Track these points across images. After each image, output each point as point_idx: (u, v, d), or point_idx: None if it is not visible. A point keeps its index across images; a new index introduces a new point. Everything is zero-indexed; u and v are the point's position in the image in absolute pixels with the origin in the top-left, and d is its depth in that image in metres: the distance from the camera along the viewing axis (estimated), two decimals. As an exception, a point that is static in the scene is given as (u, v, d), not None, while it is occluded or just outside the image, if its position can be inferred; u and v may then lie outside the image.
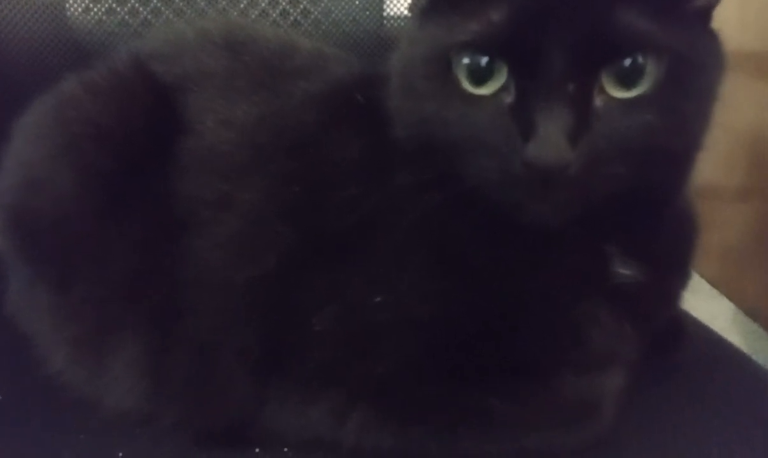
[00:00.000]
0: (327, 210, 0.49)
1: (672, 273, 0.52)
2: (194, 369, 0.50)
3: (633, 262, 0.47)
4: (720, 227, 1.14)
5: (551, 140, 0.38)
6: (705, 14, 0.44)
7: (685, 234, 0.52)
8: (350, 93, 0.53)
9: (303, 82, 0.55)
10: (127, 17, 0.78)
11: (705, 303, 0.76)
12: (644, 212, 0.46)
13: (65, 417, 0.53)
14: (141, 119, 0.54)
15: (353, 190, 0.48)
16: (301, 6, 0.80)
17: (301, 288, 0.48)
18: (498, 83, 0.41)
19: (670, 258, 0.50)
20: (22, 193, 0.56)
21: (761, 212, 1.13)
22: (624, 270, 0.47)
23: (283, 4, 0.80)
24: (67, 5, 0.78)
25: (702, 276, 1.16)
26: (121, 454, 0.49)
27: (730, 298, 1.22)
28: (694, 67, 0.41)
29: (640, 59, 0.40)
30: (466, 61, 0.42)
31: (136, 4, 0.78)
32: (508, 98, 0.41)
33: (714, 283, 1.20)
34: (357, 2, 0.81)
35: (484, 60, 0.41)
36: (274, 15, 0.80)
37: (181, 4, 0.79)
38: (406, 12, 0.82)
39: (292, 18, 0.80)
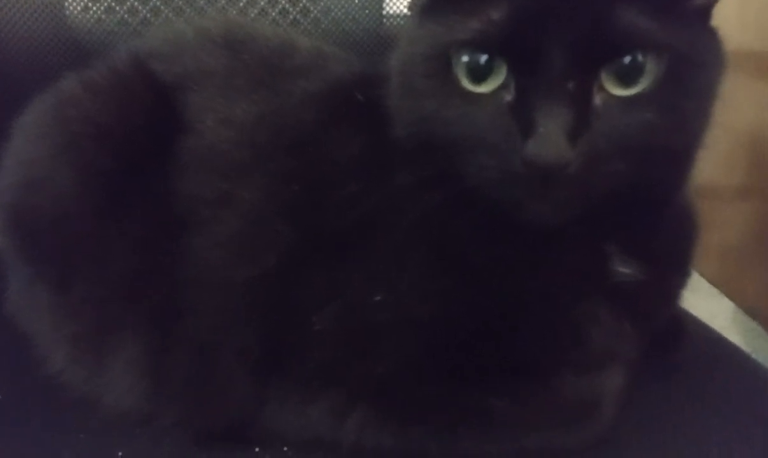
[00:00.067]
0: (327, 209, 0.49)
1: (672, 272, 0.52)
2: (194, 369, 0.50)
3: (633, 261, 0.47)
4: (720, 226, 1.14)
5: (551, 138, 0.38)
6: (705, 12, 0.44)
7: (685, 232, 0.52)
8: (350, 92, 0.53)
9: (302, 81, 0.55)
10: (126, 16, 0.78)
11: (705, 302, 0.76)
12: (644, 211, 0.46)
13: (65, 417, 0.53)
14: (141, 118, 0.54)
15: (353, 188, 0.48)
16: (301, 4, 0.80)
17: (301, 288, 0.48)
18: (498, 81, 0.41)
19: (670, 257, 0.50)
20: (22, 192, 0.55)
21: (761, 211, 1.13)
22: (624, 269, 0.47)
23: (283, 2, 0.80)
24: (66, 4, 0.78)
25: (702, 275, 1.16)
26: (120, 454, 0.49)
27: (730, 297, 1.22)
28: (694, 65, 0.41)
29: (639, 57, 0.40)
30: (465, 59, 0.42)
31: (136, 3, 0.78)
32: (508, 96, 0.41)
33: (714, 282, 1.20)
34: (356, 1, 0.81)
35: (483, 58, 0.41)
36: (274, 14, 0.80)
37: (180, 3, 0.78)
38: (405, 10, 0.82)
39: (291, 17, 0.80)
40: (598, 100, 0.40)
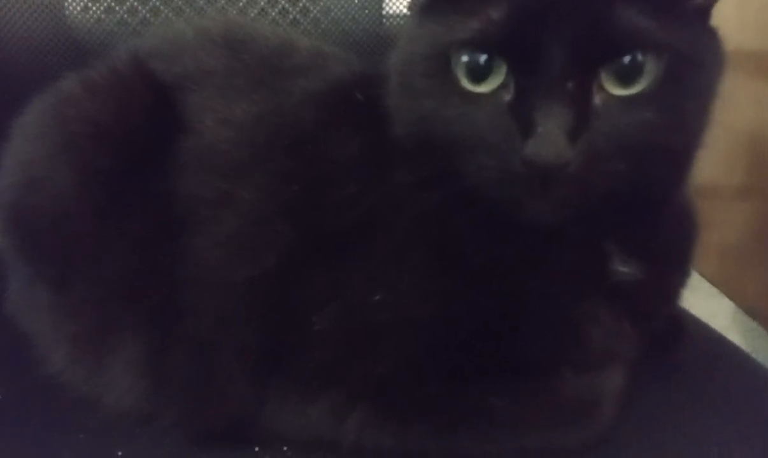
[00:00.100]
0: (326, 208, 0.49)
1: (672, 271, 0.52)
2: (194, 369, 0.50)
3: (632, 260, 0.47)
4: (719, 226, 1.14)
5: (551, 138, 0.38)
6: (704, 12, 0.44)
7: (684, 232, 0.52)
8: (349, 91, 0.53)
9: (302, 81, 0.55)
10: (126, 16, 0.78)
11: (704, 302, 0.76)
12: (644, 210, 0.46)
13: (65, 417, 0.53)
14: (140, 118, 0.54)
15: (352, 188, 0.48)
16: (301, 4, 0.80)
17: (301, 287, 0.48)
18: (497, 81, 0.41)
19: (670, 256, 0.50)
20: (22, 191, 0.55)
21: (761, 211, 1.13)
22: (623, 268, 0.47)
23: (282, 2, 0.80)
24: (66, 4, 0.78)
25: (702, 274, 1.16)
26: (120, 454, 0.49)
27: (730, 297, 1.22)
28: (693, 64, 0.41)
29: (639, 57, 0.40)
30: (465, 58, 0.42)
31: (135, 3, 0.78)
32: (508, 96, 0.41)
33: (714, 282, 1.20)
34: (356, 1, 0.81)
35: (483, 58, 0.41)
36: (273, 13, 0.80)
37: (180, 2, 0.78)
38: (405, 10, 0.82)
39: (291, 16, 0.80)
40: (597, 99, 0.40)
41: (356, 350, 0.47)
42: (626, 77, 0.40)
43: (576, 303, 0.47)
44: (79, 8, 0.78)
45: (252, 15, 0.79)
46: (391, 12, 0.83)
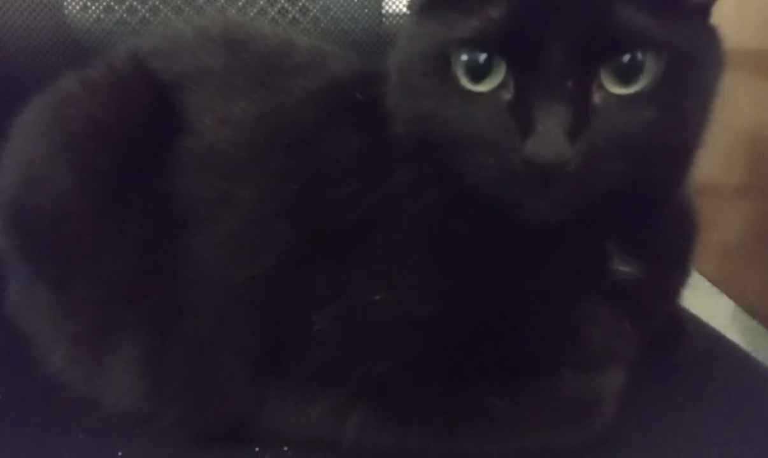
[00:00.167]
0: (326, 208, 0.49)
1: (672, 271, 0.52)
2: (194, 369, 0.49)
3: (632, 259, 0.47)
4: (719, 225, 1.14)
5: (550, 137, 0.38)
6: (704, 10, 0.44)
7: (684, 231, 0.52)
8: (349, 90, 0.53)
9: (302, 80, 0.55)
10: (125, 15, 0.78)
11: (704, 301, 0.76)
12: (644, 209, 0.46)
13: (65, 417, 0.53)
14: (140, 117, 0.54)
15: (352, 187, 0.48)
16: (300, 4, 0.80)
17: (301, 287, 0.48)
18: (497, 80, 0.41)
19: (670, 256, 0.50)
20: (22, 191, 0.55)
21: (760, 210, 1.13)
22: (623, 268, 0.47)
23: (282, 1, 0.80)
24: (65, 3, 0.78)
25: (701, 273, 1.16)
26: (120, 454, 0.49)
27: (730, 296, 1.22)
28: (693, 63, 0.41)
29: (639, 55, 0.39)
30: (464, 57, 0.42)
31: (135, 3, 0.78)
32: (507, 95, 0.41)
33: (713, 281, 1.20)
34: (356, 0, 0.81)
35: (482, 57, 0.41)
36: (273, 13, 0.80)
37: (179, 2, 0.78)
38: (404, 9, 0.82)
39: (290, 16, 0.80)
40: (597, 98, 0.40)
41: (356, 350, 0.47)
42: (626, 76, 0.40)
43: (576, 303, 0.47)
44: (78, 7, 0.78)
45: (251, 14, 0.79)
46: (390, 11, 0.83)
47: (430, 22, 0.44)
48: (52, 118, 0.56)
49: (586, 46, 0.39)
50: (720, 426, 0.51)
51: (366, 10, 0.82)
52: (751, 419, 0.52)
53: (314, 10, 0.81)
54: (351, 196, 0.48)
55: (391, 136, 0.47)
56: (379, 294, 0.46)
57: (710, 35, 0.45)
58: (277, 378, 0.48)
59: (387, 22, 0.83)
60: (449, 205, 0.45)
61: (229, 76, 0.56)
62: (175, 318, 0.49)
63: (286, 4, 0.80)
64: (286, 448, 0.49)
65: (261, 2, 0.80)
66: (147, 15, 0.78)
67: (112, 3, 0.78)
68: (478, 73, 0.41)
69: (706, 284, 1.19)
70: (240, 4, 0.79)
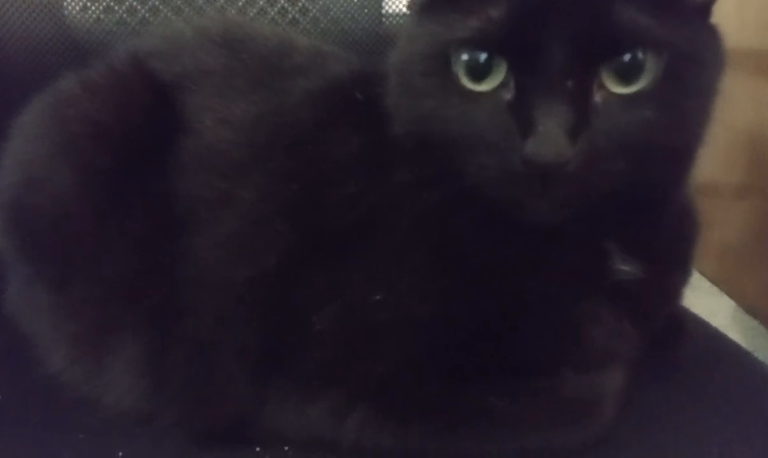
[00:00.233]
0: (326, 208, 0.49)
1: (672, 270, 0.52)
2: (194, 369, 0.49)
3: (633, 259, 0.47)
4: (719, 224, 1.14)
5: (551, 137, 0.38)
6: (704, 10, 0.44)
7: (685, 231, 0.52)
8: (349, 90, 0.53)
9: (301, 80, 0.55)
10: (125, 16, 0.78)
11: (705, 301, 0.76)
12: (644, 209, 0.46)
13: (65, 417, 0.53)
14: (140, 117, 0.54)
15: (352, 187, 0.48)
16: (300, 4, 0.80)
17: (301, 287, 0.48)
18: (497, 80, 0.41)
19: (671, 255, 0.50)
20: (21, 192, 0.55)
21: (761, 210, 1.13)
22: (624, 268, 0.47)
23: (282, 2, 0.80)
24: (65, 4, 0.78)
25: (702, 273, 1.16)
26: (121, 454, 0.49)
27: (730, 296, 1.22)
28: (693, 62, 0.41)
29: (639, 55, 0.39)
30: (465, 57, 0.42)
31: (134, 3, 0.78)
32: (508, 95, 0.41)
33: (714, 281, 1.20)
34: (355, 0, 0.81)
35: (483, 56, 0.41)
36: (273, 13, 0.80)
37: (179, 2, 0.78)
38: (404, 9, 0.82)
39: (290, 16, 0.80)
40: (597, 97, 0.40)
41: (356, 350, 0.47)
42: (626, 75, 0.40)
43: (576, 303, 0.47)
44: (78, 8, 0.78)
45: (251, 14, 0.79)
46: (390, 11, 0.83)
47: (430, 22, 0.44)
48: (52, 118, 0.56)
49: (587, 46, 0.39)
50: (720, 425, 0.51)
51: (366, 10, 0.82)
52: (751, 419, 0.52)
53: (314, 11, 0.81)
54: (351, 196, 0.48)
55: (391, 136, 0.47)
56: (379, 294, 0.46)
57: (711, 34, 0.45)
58: (277, 379, 0.48)
59: (387, 22, 0.83)
60: (449, 205, 0.45)
61: (229, 77, 0.56)
62: (175, 319, 0.49)
63: (286, 5, 0.80)
64: (286, 448, 0.49)
65: (261, 2, 0.80)
66: (147, 15, 0.78)
67: (112, 3, 0.78)
68: (478, 73, 0.41)
69: (707, 284, 1.19)
70: (240, 4, 0.79)
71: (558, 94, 0.39)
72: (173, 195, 0.52)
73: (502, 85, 0.41)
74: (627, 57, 0.39)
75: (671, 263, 0.51)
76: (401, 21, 0.82)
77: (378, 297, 0.46)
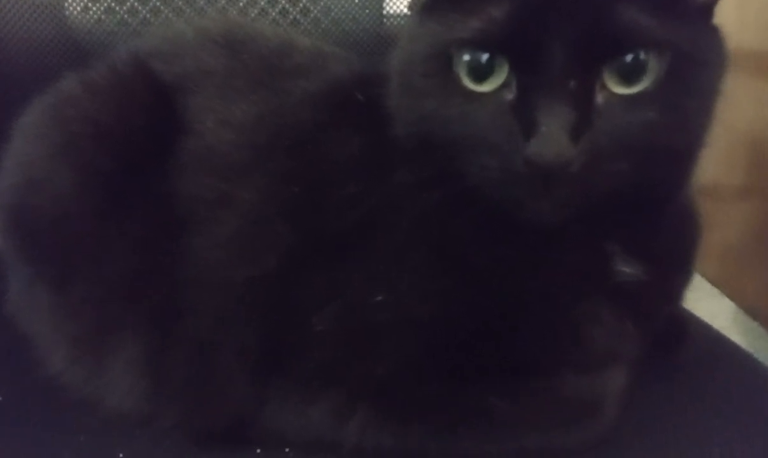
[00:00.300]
0: (326, 209, 0.48)
1: (674, 272, 0.52)
2: (194, 369, 0.49)
3: (635, 260, 0.47)
4: (720, 226, 1.14)
5: (553, 137, 0.38)
6: (707, 10, 0.44)
7: (687, 232, 0.52)
8: (350, 91, 0.53)
9: (302, 81, 0.55)
10: (126, 16, 0.78)
11: (705, 302, 0.76)
12: (646, 210, 0.46)
13: (65, 418, 0.53)
14: (140, 118, 0.54)
15: (353, 188, 0.48)
16: (301, 4, 0.80)
17: (301, 288, 0.48)
18: (499, 80, 0.41)
19: (672, 256, 0.50)
20: (22, 192, 0.55)
21: (761, 211, 1.13)
22: (626, 269, 0.47)
23: (283, 2, 0.80)
24: (66, 4, 0.78)
25: (702, 275, 1.16)
26: (121, 455, 0.49)
27: (731, 297, 1.22)
28: (696, 63, 0.41)
29: (641, 55, 0.39)
30: (466, 58, 0.41)
31: (135, 4, 0.78)
32: (509, 95, 0.41)
33: (714, 282, 1.20)
34: (356, 0, 0.81)
35: (484, 57, 0.41)
36: (274, 13, 0.80)
37: (180, 3, 0.78)
38: (405, 10, 0.82)
39: (291, 16, 0.80)
40: (600, 98, 0.40)
41: (356, 350, 0.47)
42: (629, 76, 0.40)
43: (577, 304, 0.46)
44: (79, 9, 0.78)
45: (252, 15, 0.79)
46: (391, 12, 0.83)
47: (432, 23, 0.44)
48: (53, 119, 0.56)
49: (589, 46, 0.39)
50: (721, 426, 0.51)
51: (367, 11, 0.82)
52: (752, 419, 0.52)
53: (315, 11, 0.81)
54: (351, 196, 0.48)
55: (392, 137, 0.47)
56: (379, 294, 0.46)
57: (713, 35, 0.45)
58: (278, 379, 0.48)
59: (388, 23, 0.83)
60: (450, 205, 0.45)
61: (229, 77, 0.56)
62: (175, 319, 0.49)
63: (287, 5, 0.80)
64: (287, 450, 0.49)
65: (262, 3, 0.80)
66: (148, 16, 0.78)
67: (113, 4, 0.78)
68: (480, 74, 0.41)
69: (707, 286, 1.19)
70: (241, 5, 0.79)
71: (560, 95, 0.38)
72: (174, 195, 0.52)
73: (504, 85, 0.41)
74: (629, 57, 0.39)
75: (673, 264, 0.51)
76: (402, 22, 0.82)
77: (378, 298, 0.46)
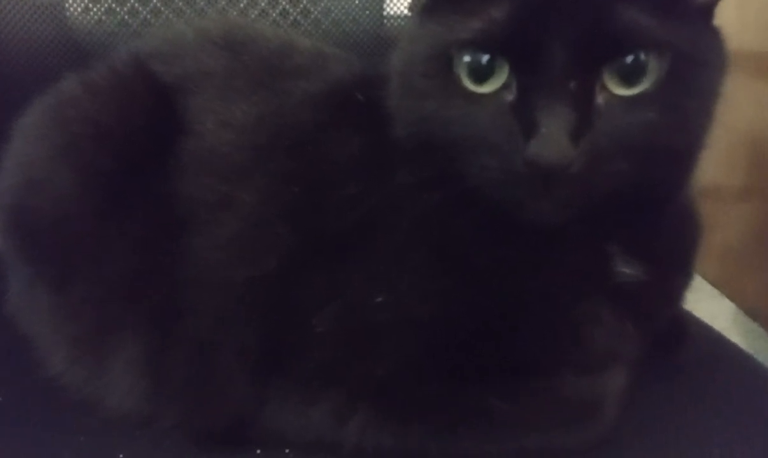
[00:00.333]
0: (327, 210, 0.48)
1: (674, 272, 0.52)
2: (194, 370, 0.49)
3: (635, 261, 0.47)
4: (720, 227, 1.14)
5: (553, 138, 0.38)
6: (707, 11, 0.44)
7: (687, 233, 0.52)
8: (350, 92, 0.53)
9: (303, 82, 0.55)
10: (126, 17, 0.78)
11: (705, 303, 0.76)
12: (646, 211, 0.46)
13: (65, 418, 0.53)
14: (141, 118, 0.54)
15: (353, 189, 0.48)
16: (301, 5, 0.80)
17: (301, 288, 0.48)
18: (499, 81, 0.41)
19: (673, 257, 0.50)
20: (22, 193, 0.55)
21: (761, 212, 1.13)
22: (626, 269, 0.47)
23: (283, 3, 0.80)
24: (67, 5, 0.78)
25: (702, 276, 1.16)
26: (121, 455, 0.49)
27: (731, 298, 1.22)
28: (696, 64, 0.41)
29: (642, 56, 0.39)
30: (467, 59, 0.42)
31: (136, 4, 0.78)
32: (510, 96, 0.41)
33: (714, 283, 1.20)
34: (357, 2, 0.82)
35: (485, 58, 0.41)
36: (274, 15, 0.80)
37: (180, 3, 0.78)
38: (406, 11, 0.82)
39: (291, 17, 0.80)
40: (600, 99, 0.40)
41: (356, 350, 0.47)
42: (629, 77, 0.40)
43: (577, 304, 0.46)
44: (79, 9, 0.78)
45: (253, 16, 0.79)
46: (392, 13, 0.83)
47: (432, 24, 0.44)
48: (53, 119, 0.56)
49: (589, 47, 0.39)
50: (721, 427, 0.51)
51: (367, 12, 0.82)
52: (752, 420, 0.52)
53: (315, 12, 0.81)
54: (352, 197, 0.48)
55: (393, 137, 0.47)
56: (379, 295, 0.46)
57: (713, 36, 0.45)
58: (278, 379, 0.48)
59: (388, 24, 0.83)
60: (450, 206, 0.45)
61: (230, 78, 0.56)
62: (175, 319, 0.49)
63: (288, 6, 0.80)
64: (287, 450, 0.49)
65: (262, 4, 0.80)
66: (148, 17, 0.78)
67: (113, 5, 0.78)
68: (480, 75, 0.41)
69: (707, 287, 1.19)
70: (241, 6, 0.79)
71: (560, 96, 0.38)
72: (174, 196, 0.52)
73: (504, 86, 0.41)
74: (629, 58, 0.39)
75: (673, 265, 0.51)
76: (403, 23, 0.83)
77: (379, 298, 0.46)
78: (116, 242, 0.52)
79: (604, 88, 0.40)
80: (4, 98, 0.66)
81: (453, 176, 0.43)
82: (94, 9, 0.78)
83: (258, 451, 0.49)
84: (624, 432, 0.48)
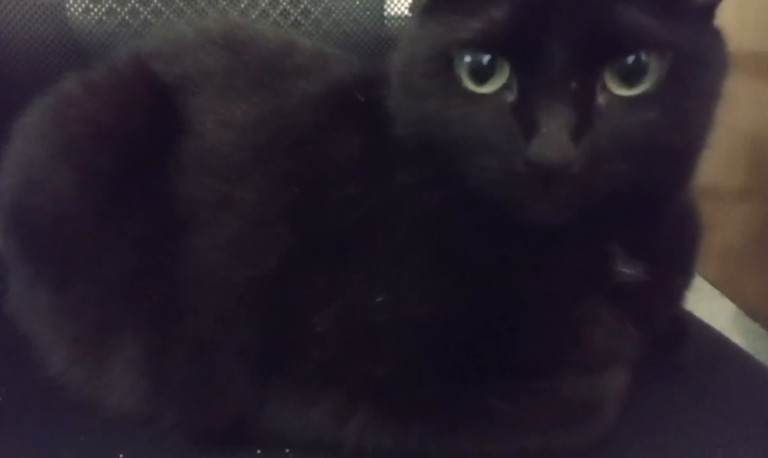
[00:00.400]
0: (327, 210, 0.49)
1: (675, 273, 0.52)
2: (194, 369, 0.49)
3: (635, 261, 0.47)
4: (721, 227, 1.14)
5: (553, 138, 0.38)
6: (708, 11, 0.44)
7: (688, 233, 0.52)
8: (350, 92, 0.53)
9: (303, 82, 0.55)
10: (127, 17, 0.78)
11: (706, 304, 0.76)
12: (647, 211, 0.46)
13: (65, 418, 0.53)
14: (141, 118, 0.54)
15: (353, 189, 0.48)
16: (302, 6, 0.80)
17: (301, 288, 0.48)
18: (500, 81, 0.41)
19: (673, 257, 0.50)
20: (22, 193, 0.55)
21: (761, 212, 1.13)
22: (626, 269, 0.47)
23: (284, 4, 0.80)
24: (67, 5, 0.78)
25: (703, 276, 1.16)
26: (121, 455, 0.49)
27: (731, 298, 1.22)
28: (697, 64, 0.41)
29: (642, 56, 0.39)
30: (467, 59, 0.41)
31: (137, 5, 0.78)
32: (510, 96, 0.41)
33: (715, 283, 1.20)
34: (357, 2, 0.81)
35: (485, 58, 0.41)
36: (275, 15, 0.80)
37: (181, 4, 0.78)
38: (406, 12, 0.82)
39: (292, 18, 0.80)
40: (601, 99, 0.40)
41: (356, 351, 0.47)
42: (630, 77, 0.40)
43: (578, 304, 0.46)
44: (80, 10, 0.78)
45: (253, 16, 0.79)
46: (392, 13, 0.83)
47: (433, 24, 0.44)
48: (53, 119, 0.56)
49: (589, 47, 0.39)
50: (722, 427, 0.51)
51: (368, 13, 0.82)
52: (752, 420, 0.52)
53: (316, 13, 0.81)
54: (352, 197, 0.48)
55: (393, 137, 0.47)
56: (379, 295, 0.46)
57: (714, 36, 0.45)
58: (278, 379, 0.48)
59: (389, 25, 0.83)
60: (450, 206, 0.45)
61: (230, 78, 0.56)
62: (175, 319, 0.49)
63: (288, 7, 0.80)
64: (287, 450, 0.49)
65: (263, 4, 0.80)
66: (149, 17, 0.78)
67: (114, 5, 0.78)
68: (481, 75, 0.41)
69: (708, 287, 1.19)
70: (242, 6, 0.79)
71: (561, 96, 0.38)
72: (174, 196, 0.52)
73: (505, 86, 0.41)
74: (630, 59, 0.39)
75: (673, 265, 0.51)
76: (403, 23, 0.83)
77: (379, 298, 0.46)
78: (116, 242, 0.52)
79: (605, 88, 0.40)
80: (4, 98, 0.66)
81: (453, 176, 0.43)
82: (95, 9, 0.78)
83: (258, 451, 0.49)
84: (624, 432, 0.48)
